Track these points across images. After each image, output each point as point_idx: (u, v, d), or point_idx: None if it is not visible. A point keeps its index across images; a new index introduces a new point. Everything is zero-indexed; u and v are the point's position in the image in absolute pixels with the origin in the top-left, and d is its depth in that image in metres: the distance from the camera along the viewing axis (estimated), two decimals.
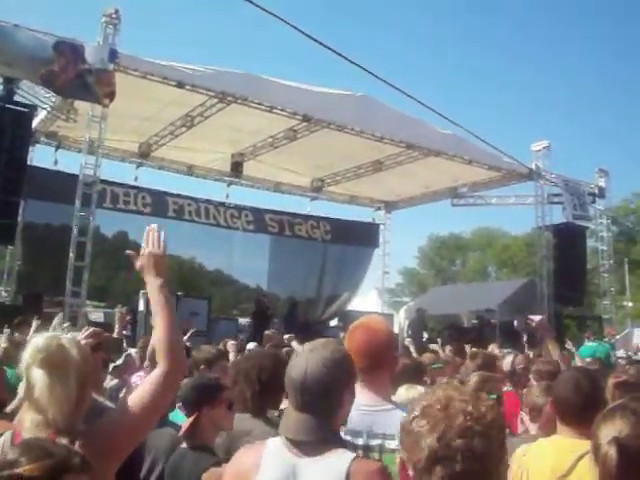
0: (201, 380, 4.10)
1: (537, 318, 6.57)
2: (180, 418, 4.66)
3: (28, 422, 2.40)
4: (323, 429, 2.40)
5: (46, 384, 2.39)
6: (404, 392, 4.12)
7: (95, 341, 3.55)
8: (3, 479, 1.80)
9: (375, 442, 2.80)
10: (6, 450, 2.28)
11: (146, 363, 7.13)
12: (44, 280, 18.13)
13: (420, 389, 4.25)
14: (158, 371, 2.52)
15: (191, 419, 3.76)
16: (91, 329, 3.75)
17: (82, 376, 2.43)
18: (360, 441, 2.77)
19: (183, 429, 3.81)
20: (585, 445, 3.02)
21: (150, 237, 2.93)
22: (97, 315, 19.23)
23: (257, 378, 4.31)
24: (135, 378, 4.79)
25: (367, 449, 2.79)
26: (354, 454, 2.43)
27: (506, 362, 7.33)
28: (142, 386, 2.54)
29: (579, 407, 3.33)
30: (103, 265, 22.77)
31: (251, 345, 10.71)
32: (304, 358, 2.50)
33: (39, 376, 2.41)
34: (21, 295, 17.38)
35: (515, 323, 22.76)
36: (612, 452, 1.73)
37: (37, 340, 2.45)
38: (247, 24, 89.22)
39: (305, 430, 2.39)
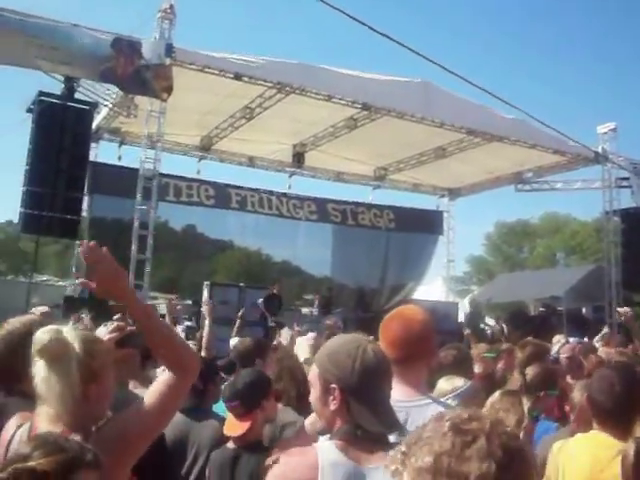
0: (255, 376, 3.99)
1: (624, 310, 6.43)
2: (223, 409, 4.65)
3: (43, 415, 2.39)
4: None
5: (44, 378, 2.38)
6: (444, 384, 3.99)
7: (119, 335, 3.52)
8: (16, 473, 1.79)
9: None
10: (22, 442, 2.30)
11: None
12: None
13: (459, 381, 4.13)
14: (169, 375, 2.46)
15: (247, 423, 3.65)
16: (115, 324, 3.75)
17: (87, 371, 2.37)
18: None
19: (236, 432, 3.68)
20: (623, 443, 2.91)
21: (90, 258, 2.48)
22: (163, 307, 19.50)
23: (303, 378, 4.24)
24: None
25: None
26: None
27: (553, 349, 7.14)
28: (155, 386, 2.48)
29: (611, 410, 3.15)
30: (173, 258, 23.12)
31: (311, 335, 10.67)
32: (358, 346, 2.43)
33: (40, 370, 2.39)
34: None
35: (583, 311, 22.32)
36: (630, 451, 1.64)
37: (39, 333, 2.42)
38: (298, 12, 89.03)
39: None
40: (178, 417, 4.43)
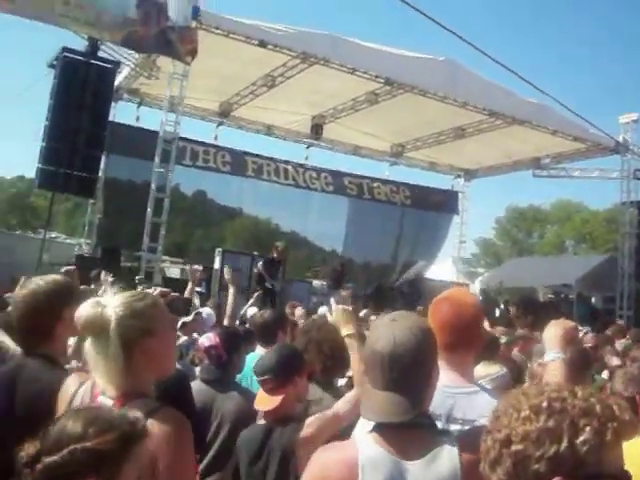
0: (289, 351, 3.86)
1: None
2: (247, 379, 4.60)
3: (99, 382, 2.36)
4: (417, 409, 2.13)
5: (91, 354, 2.34)
6: (481, 369, 3.92)
7: (165, 301, 3.44)
8: (74, 454, 1.71)
9: (454, 427, 2.62)
10: (85, 399, 2.36)
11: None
12: (123, 235, 18.42)
13: (495, 368, 4.07)
14: None
15: (278, 398, 3.49)
16: (159, 289, 3.68)
17: (132, 332, 2.32)
18: (438, 425, 2.58)
19: (266, 407, 3.54)
20: None
21: None
22: (174, 271, 19.50)
23: (330, 353, 4.16)
24: (203, 339, 4.71)
25: None
26: (455, 446, 2.14)
27: None
28: None
29: None
30: (182, 222, 23.09)
31: (322, 309, 10.61)
32: (389, 328, 2.24)
33: (87, 345, 2.35)
34: (100, 248, 17.69)
35: (593, 300, 22.21)
36: None
37: (81, 308, 2.36)
38: None
39: (399, 411, 2.11)
40: (202, 387, 4.39)
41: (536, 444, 1.45)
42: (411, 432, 2.15)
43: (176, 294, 4.31)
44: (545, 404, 1.50)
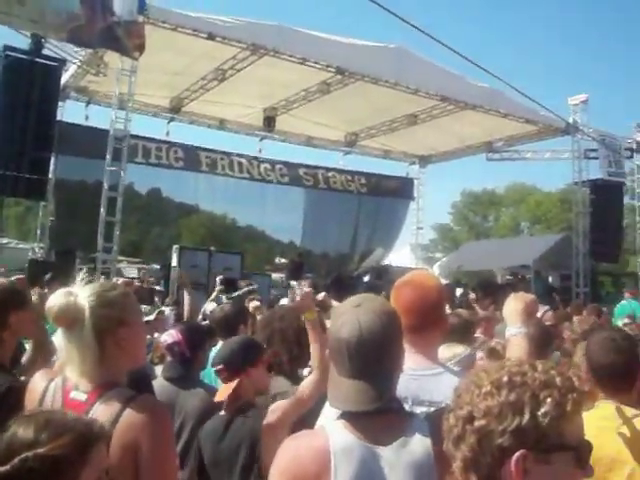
0: (243, 341, 3.86)
1: None
2: (210, 376, 4.52)
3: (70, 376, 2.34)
4: (385, 396, 2.09)
5: (64, 346, 2.33)
6: (444, 351, 3.89)
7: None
8: (25, 463, 1.62)
9: (420, 409, 2.58)
10: (57, 394, 2.31)
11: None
12: (77, 236, 18.14)
13: (459, 348, 4.04)
14: None
15: (233, 384, 3.49)
16: (121, 279, 3.60)
17: (106, 322, 2.31)
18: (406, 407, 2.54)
19: (224, 396, 3.53)
20: (626, 412, 2.82)
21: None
22: (131, 272, 19.30)
23: (296, 339, 4.10)
24: (165, 337, 4.59)
25: None
26: (425, 429, 2.11)
27: None
28: None
29: (618, 371, 3.00)
30: (137, 221, 22.88)
31: (284, 301, 10.54)
32: (353, 314, 2.17)
33: (59, 338, 2.34)
34: (54, 251, 17.40)
35: (550, 279, 22.50)
36: None
37: (51, 299, 2.33)
38: None
39: (366, 400, 2.07)
40: (166, 386, 4.30)
41: (499, 418, 1.46)
42: (380, 418, 2.10)
43: (139, 284, 4.22)
44: (506, 378, 1.50)
